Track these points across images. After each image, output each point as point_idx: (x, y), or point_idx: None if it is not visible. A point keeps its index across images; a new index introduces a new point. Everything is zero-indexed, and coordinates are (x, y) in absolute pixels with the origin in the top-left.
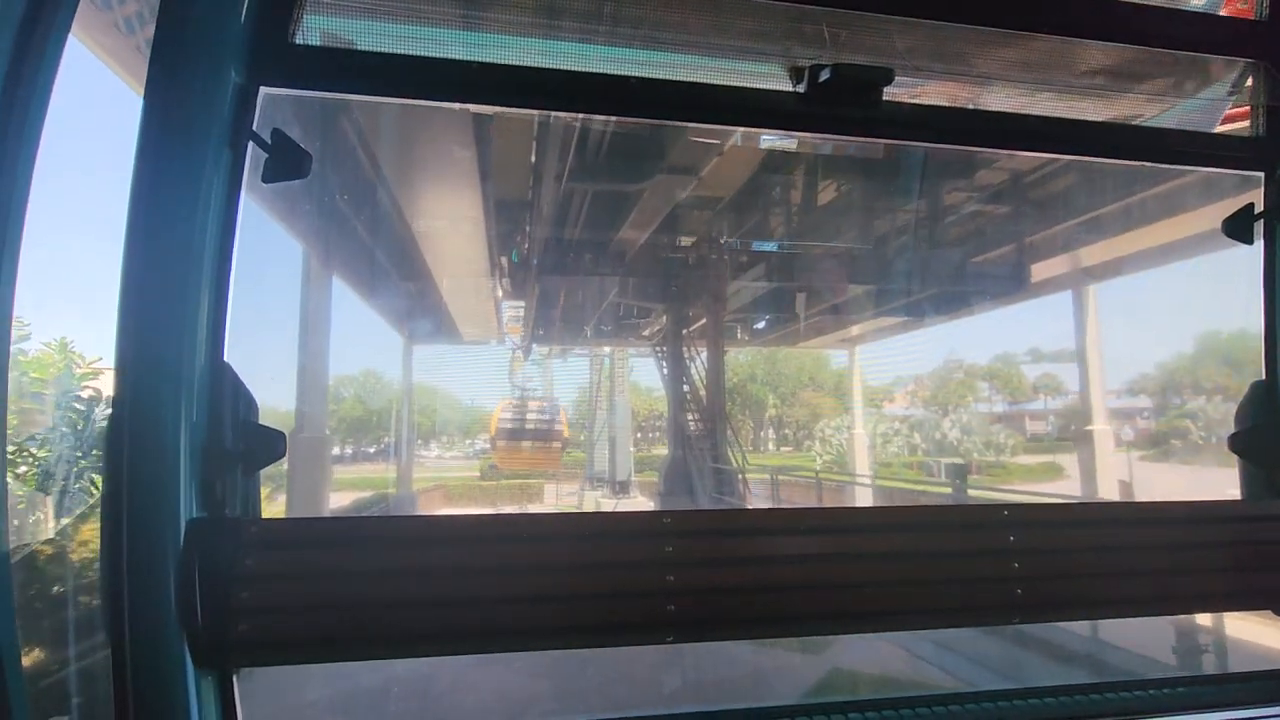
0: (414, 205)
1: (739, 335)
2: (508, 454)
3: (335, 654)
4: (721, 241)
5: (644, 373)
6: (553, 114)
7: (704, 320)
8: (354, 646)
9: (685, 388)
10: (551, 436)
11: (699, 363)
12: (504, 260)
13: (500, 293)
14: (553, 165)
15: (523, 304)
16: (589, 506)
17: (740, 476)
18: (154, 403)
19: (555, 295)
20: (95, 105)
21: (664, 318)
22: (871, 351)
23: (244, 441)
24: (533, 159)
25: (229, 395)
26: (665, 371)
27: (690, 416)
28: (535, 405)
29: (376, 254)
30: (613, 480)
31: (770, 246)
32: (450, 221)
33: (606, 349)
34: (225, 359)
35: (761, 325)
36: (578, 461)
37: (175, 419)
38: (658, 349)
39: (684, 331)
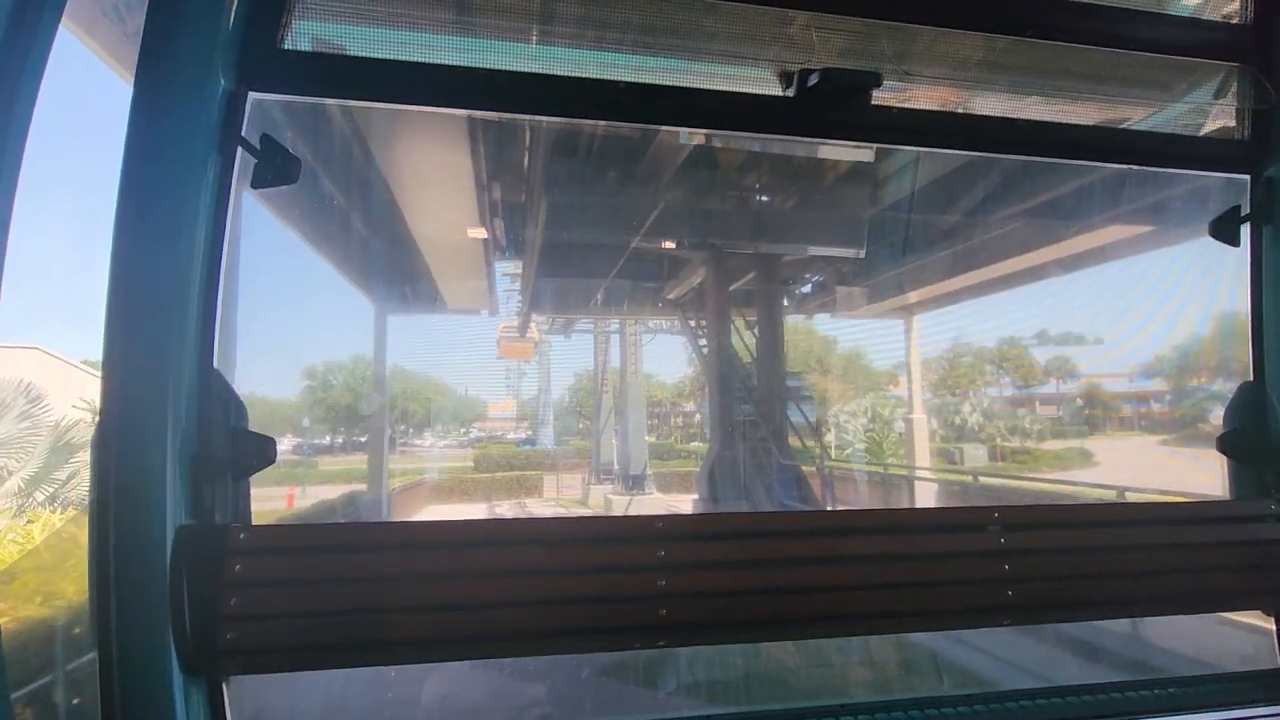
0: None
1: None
2: (506, 350)
3: (325, 661)
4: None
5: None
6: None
7: (754, 274)
8: (344, 653)
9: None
10: (527, 341)
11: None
12: (495, 186)
13: (491, 241)
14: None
15: (520, 263)
16: (596, 502)
17: (814, 474)
18: (142, 409)
19: (562, 243)
20: (85, 94)
21: (702, 270)
22: (884, 329)
23: (233, 448)
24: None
25: (218, 401)
26: (703, 343)
27: (739, 397)
28: (518, 325)
29: (322, 181)
30: (625, 474)
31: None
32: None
33: (615, 322)
34: (215, 365)
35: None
36: (580, 451)
37: (164, 425)
38: (690, 317)
39: (730, 289)
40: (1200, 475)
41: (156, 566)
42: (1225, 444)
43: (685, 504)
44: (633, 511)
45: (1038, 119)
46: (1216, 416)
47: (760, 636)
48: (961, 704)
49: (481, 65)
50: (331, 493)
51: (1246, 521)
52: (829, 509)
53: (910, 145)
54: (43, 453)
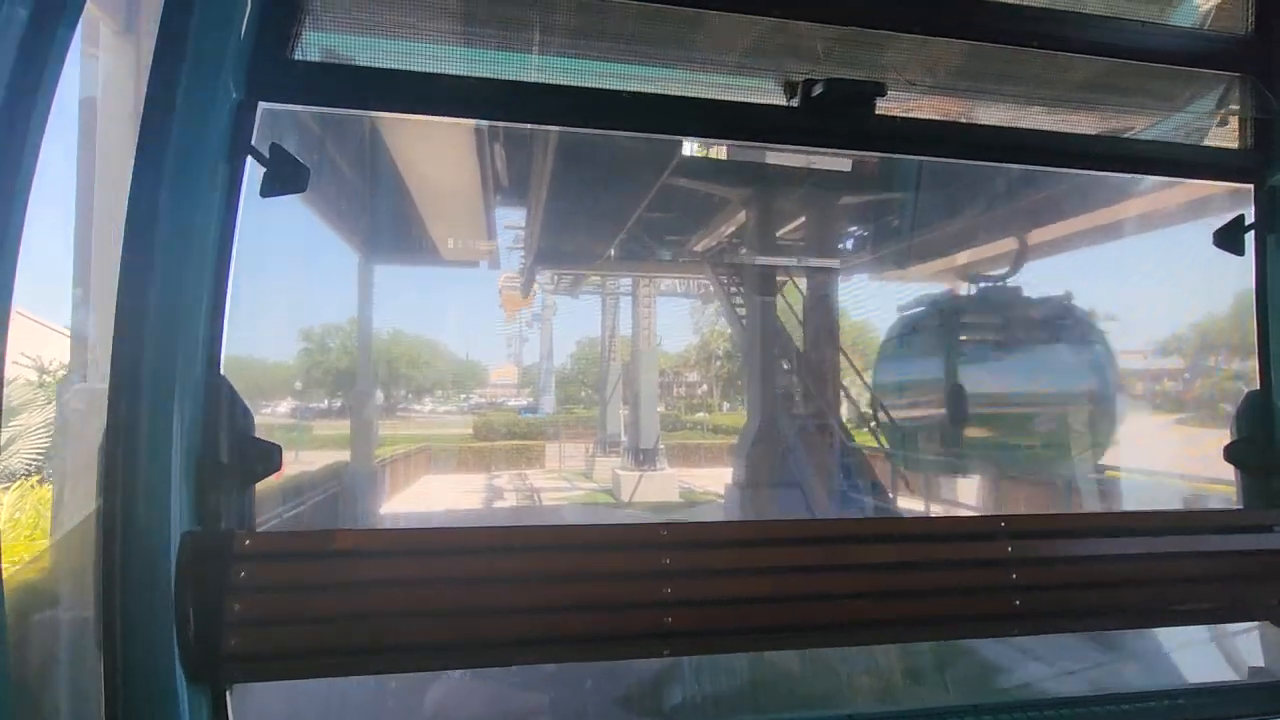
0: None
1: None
2: (508, 300)
3: (330, 668)
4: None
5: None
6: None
7: (805, 219)
8: (348, 661)
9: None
10: (525, 295)
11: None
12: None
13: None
14: None
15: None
16: (603, 477)
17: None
18: (149, 415)
19: (572, 182)
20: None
21: (743, 215)
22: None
23: (239, 454)
24: None
25: (225, 408)
26: (738, 301)
27: (785, 366)
28: (521, 284)
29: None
30: (635, 448)
31: None
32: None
33: (626, 282)
34: (222, 371)
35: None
36: (584, 421)
37: (170, 431)
38: (723, 273)
39: (777, 237)
40: None
41: (161, 572)
42: (1233, 453)
43: (703, 480)
44: (644, 489)
45: (1041, 128)
46: None
47: (767, 645)
48: (969, 714)
49: (487, 75)
50: (322, 459)
51: (1256, 531)
52: (837, 517)
53: (914, 154)
54: None
